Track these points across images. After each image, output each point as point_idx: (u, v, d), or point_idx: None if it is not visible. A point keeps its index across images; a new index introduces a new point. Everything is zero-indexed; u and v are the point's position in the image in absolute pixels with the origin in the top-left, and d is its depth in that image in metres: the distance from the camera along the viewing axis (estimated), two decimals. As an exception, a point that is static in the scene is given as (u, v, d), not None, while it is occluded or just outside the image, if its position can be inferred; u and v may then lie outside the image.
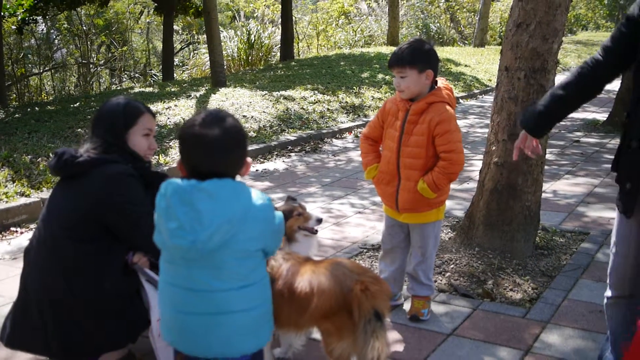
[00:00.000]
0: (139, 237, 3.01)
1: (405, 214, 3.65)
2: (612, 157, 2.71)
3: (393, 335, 3.54)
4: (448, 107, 3.48)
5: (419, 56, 3.43)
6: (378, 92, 12.90)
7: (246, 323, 2.23)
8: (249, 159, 2.30)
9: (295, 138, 9.45)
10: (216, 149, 2.15)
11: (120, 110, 3.15)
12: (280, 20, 20.04)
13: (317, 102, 11.47)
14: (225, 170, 2.18)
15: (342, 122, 10.61)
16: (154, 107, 10.00)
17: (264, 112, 10.40)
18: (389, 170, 3.64)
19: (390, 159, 3.63)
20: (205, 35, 15.15)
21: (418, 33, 29.44)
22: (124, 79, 25.43)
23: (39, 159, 7.16)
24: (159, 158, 7.63)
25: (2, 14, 13.97)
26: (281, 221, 2.35)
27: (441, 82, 3.57)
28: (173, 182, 2.15)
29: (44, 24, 22.39)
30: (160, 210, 2.17)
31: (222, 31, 18.22)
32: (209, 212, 2.09)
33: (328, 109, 11.15)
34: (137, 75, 25.88)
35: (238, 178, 2.25)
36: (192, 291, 2.19)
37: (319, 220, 3.46)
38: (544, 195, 5.36)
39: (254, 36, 20.37)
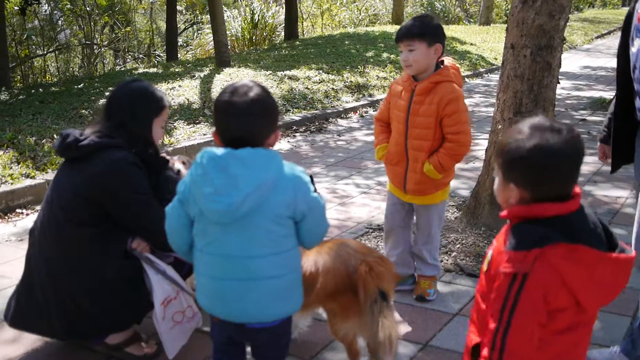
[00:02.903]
0: (138, 226, 3.02)
1: (411, 195, 3.64)
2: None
3: (398, 315, 3.55)
4: (456, 86, 3.44)
5: (429, 29, 3.40)
6: (383, 71, 12.82)
7: (277, 289, 2.32)
8: (278, 131, 2.39)
9: (300, 118, 9.41)
10: (242, 114, 2.25)
11: (153, 99, 3.16)
12: (284, -1, 19.91)
13: (321, 81, 11.41)
14: (252, 136, 2.26)
15: (346, 102, 10.56)
16: (158, 88, 9.96)
17: (268, 92, 10.35)
18: (397, 152, 3.62)
19: (398, 141, 3.60)
20: (208, 15, 15.05)
21: (423, 11, 29.21)
22: (128, 60, 25.31)
23: (44, 140, 7.15)
24: (163, 139, 7.62)
25: (4, -6, 13.90)
26: (321, 203, 2.38)
27: (448, 61, 3.53)
28: (209, 151, 2.24)
29: (47, 5, 22.28)
30: (196, 178, 2.25)
31: (225, 11, 18.10)
32: (243, 177, 2.18)
33: (333, 89, 11.10)
34: (141, 55, 25.76)
35: (268, 148, 2.33)
36: (227, 257, 2.29)
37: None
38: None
39: (258, 16, 20.22)
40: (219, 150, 2.22)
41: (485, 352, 1.81)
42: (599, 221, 1.87)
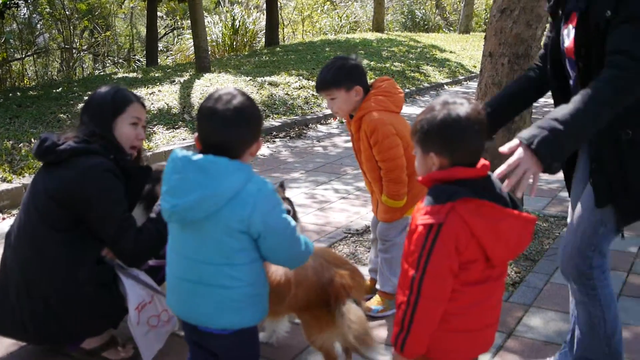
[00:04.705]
0: (104, 233, 2.97)
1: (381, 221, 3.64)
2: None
3: (380, 321, 3.56)
4: (375, 115, 3.38)
5: (343, 75, 3.38)
6: (363, 78, 12.88)
7: (225, 299, 2.27)
8: (261, 140, 2.36)
9: (280, 124, 9.42)
10: (224, 122, 2.23)
11: (109, 98, 3.12)
12: (265, 5, 19.92)
13: (301, 87, 11.44)
14: (232, 145, 2.25)
15: (326, 108, 10.56)
16: (137, 93, 9.92)
17: (248, 97, 10.35)
18: (368, 185, 3.70)
19: (364, 176, 3.69)
20: (189, 21, 15.04)
21: (403, 19, 29.40)
22: (108, 65, 25.17)
23: (21, 144, 7.10)
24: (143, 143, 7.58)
25: (-18, -3, 13.76)
26: (289, 226, 2.28)
27: (378, 83, 3.49)
28: (175, 151, 2.26)
29: (25, 8, 22.10)
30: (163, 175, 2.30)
31: (206, 16, 18.08)
32: (194, 183, 2.16)
33: (313, 95, 11.12)
34: (120, 60, 25.63)
35: (249, 157, 2.32)
36: (183, 257, 2.30)
37: (287, 212, 3.36)
38: (527, 180, 5.38)
39: (239, 22, 20.24)
40: (180, 153, 2.23)
41: (403, 297, 2.03)
42: (507, 193, 2.13)
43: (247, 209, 2.16)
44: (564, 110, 2.21)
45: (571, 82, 2.63)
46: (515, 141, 2.18)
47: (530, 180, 2.17)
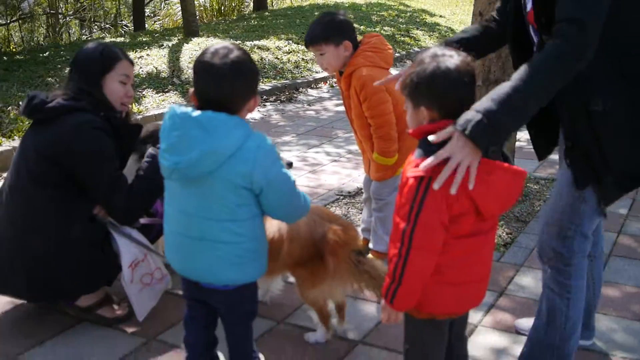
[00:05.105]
0: (95, 191, 2.97)
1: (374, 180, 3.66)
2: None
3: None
4: (364, 71, 3.38)
5: (332, 30, 3.38)
6: (353, 42, 12.78)
7: (228, 254, 2.27)
8: (258, 96, 2.33)
9: (270, 88, 9.37)
10: (221, 76, 2.19)
11: (97, 56, 3.09)
12: (253, -31, 19.67)
13: (291, 52, 11.35)
14: (229, 100, 2.21)
15: (317, 72, 10.52)
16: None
17: (238, 61, 10.26)
18: (359, 143, 3.73)
19: (355, 135, 3.71)
20: (177, -16, 14.84)
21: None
22: (94, 30, 24.84)
23: (9, 107, 7.03)
24: (132, 107, 7.53)
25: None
26: (289, 180, 2.28)
27: (367, 39, 3.51)
28: (173, 107, 2.22)
29: (9, -28, 21.73)
30: (161, 132, 2.27)
31: (194, -20, 17.84)
32: (195, 139, 2.13)
33: (303, 59, 11.05)
34: (107, 26, 25.29)
35: (247, 113, 2.29)
36: (184, 213, 2.28)
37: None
38: (518, 143, 5.40)
39: (227, -14, 20.00)
40: (179, 109, 2.19)
41: (395, 249, 2.00)
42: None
43: (248, 165, 2.15)
44: (503, 88, 2.05)
45: (535, 49, 2.48)
46: (450, 128, 1.98)
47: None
